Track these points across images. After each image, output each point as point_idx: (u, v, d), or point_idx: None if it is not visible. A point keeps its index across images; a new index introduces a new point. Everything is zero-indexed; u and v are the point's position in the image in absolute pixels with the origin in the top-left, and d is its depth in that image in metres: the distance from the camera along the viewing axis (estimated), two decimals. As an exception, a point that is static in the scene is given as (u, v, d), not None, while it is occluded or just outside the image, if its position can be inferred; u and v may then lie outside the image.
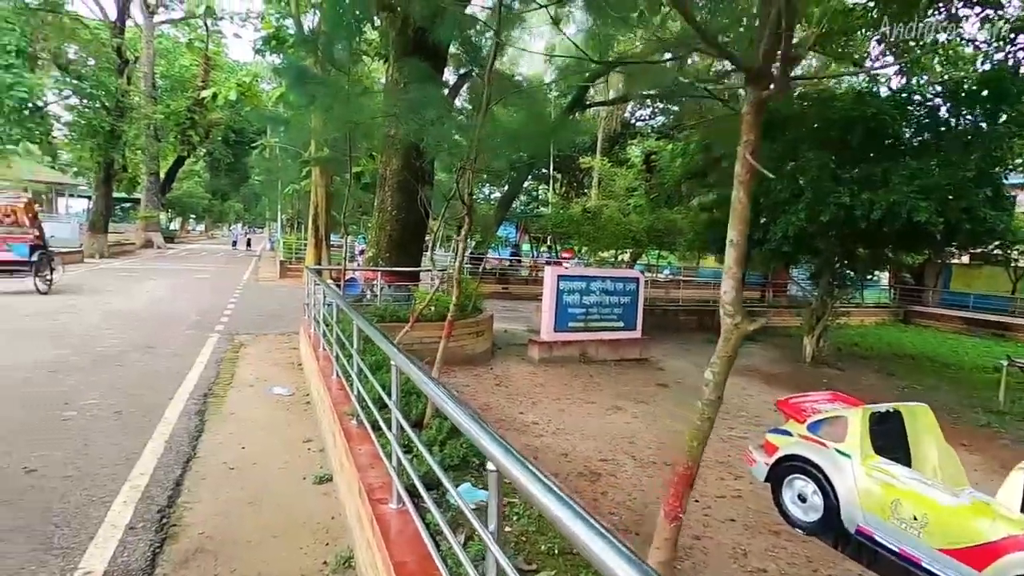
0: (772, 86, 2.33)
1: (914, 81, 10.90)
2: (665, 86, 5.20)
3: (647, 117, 34.49)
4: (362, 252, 17.24)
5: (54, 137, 22.81)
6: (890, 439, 3.62)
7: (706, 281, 24.97)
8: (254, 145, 24.72)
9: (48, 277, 12.00)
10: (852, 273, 11.91)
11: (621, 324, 9.42)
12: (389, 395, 2.73)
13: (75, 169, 37.32)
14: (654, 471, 4.86)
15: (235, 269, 21.96)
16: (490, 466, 1.36)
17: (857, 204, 8.25)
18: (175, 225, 56.04)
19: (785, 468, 4.06)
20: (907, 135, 9.45)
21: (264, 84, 25.20)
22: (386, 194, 8.51)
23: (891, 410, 3.91)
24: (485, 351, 8.79)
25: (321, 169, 17.98)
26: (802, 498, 3.93)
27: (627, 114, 33.52)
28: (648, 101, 31.27)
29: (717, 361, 2.52)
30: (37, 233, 11.53)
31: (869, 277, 17.06)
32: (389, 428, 2.66)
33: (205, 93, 17.50)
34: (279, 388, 5.81)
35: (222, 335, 8.63)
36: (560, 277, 8.76)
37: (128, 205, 46.12)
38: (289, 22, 18.10)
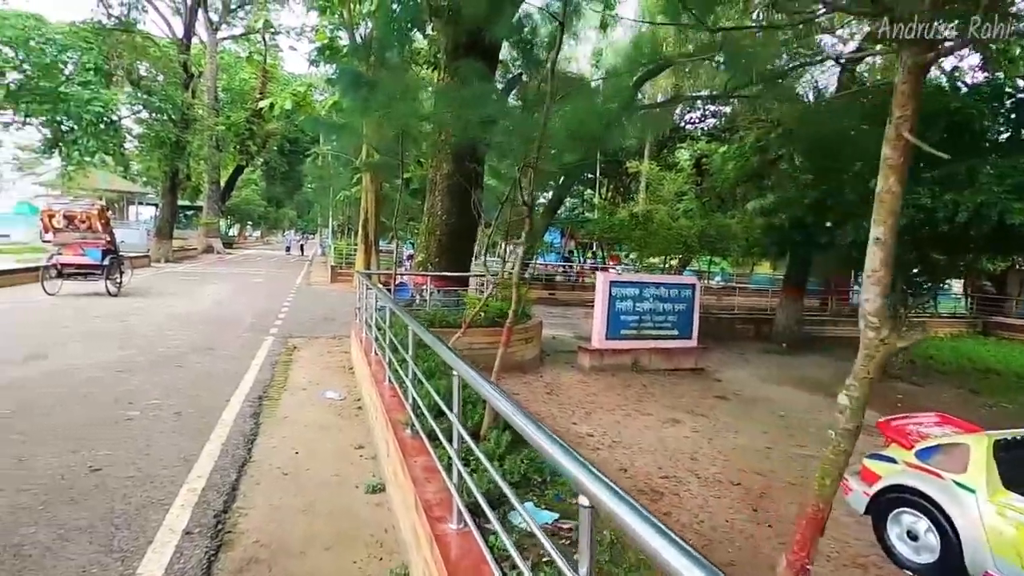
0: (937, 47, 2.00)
1: (999, 74, 10.08)
2: (768, 68, 4.77)
3: (696, 120, 33.68)
4: (410, 257, 17.40)
5: (125, 149, 24.14)
6: (1021, 470, 3.15)
7: (761, 288, 23.97)
8: (307, 154, 25.52)
9: (118, 280, 12.63)
10: (927, 281, 11.08)
11: (675, 332, 9.04)
12: (449, 405, 2.59)
13: (144, 179, 39.71)
14: (720, 490, 4.54)
15: (288, 273, 22.65)
16: (583, 500, 1.17)
17: (939, 206, 7.61)
18: (234, 231, 58.70)
19: (890, 500, 3.63)
20: (995, 131, 8.70)
21: (318, 94, 25.96)
22: (436, 199, 8.48)
23: (1020, 437, 3.44)
24: (534, 358, 8.61)
25: (371, 175, 18.31)
26: (912, 536, 3.49)
27: (675, 117, 32.86)
28: (699, 103, 30.53)
29: (855, 383, 2.20)
30: (109, 239, 12.15)
31: (942, 285, 15.90)
32: (449, 440, 2.51)
33: (263, 103, 18.20)
34: (331, 392, 5.80)
35: (276, 338, 8.79)
36: (613, 283, 8.48)
37: (192, 212, 48.60)
38: (342, 33, 18.58)
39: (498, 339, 4.38)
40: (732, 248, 20.02)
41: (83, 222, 11.67)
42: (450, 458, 2.42)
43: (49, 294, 11.63)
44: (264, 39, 36.68)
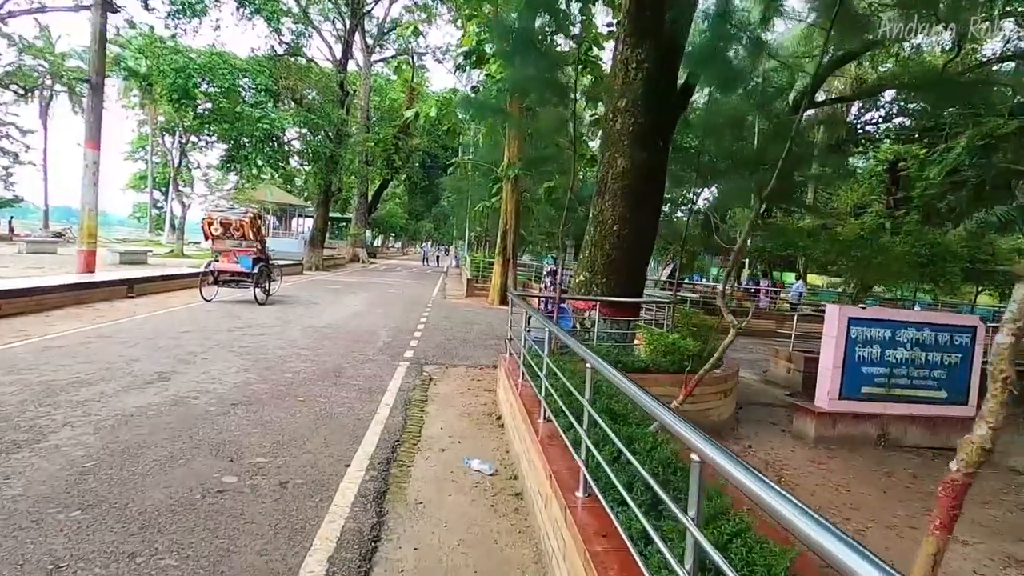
0: None
1: None
2: None
3: (879, 119, 28.60)
4: (551, 273, 15.89)
5: (287, 164, 25.91)
6: None
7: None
8: (449, 163, 25.33)
9: (267, 288, 12.63)
10: None
11: (943, 394, 6.29)
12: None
13: (306, 193, 43.48)
14: None
15: (424, 285, 22.41)
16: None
17: None
18: (378, 242, 62.56)
19: None
20: None
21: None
22: (605, 203, 6.73)
23: None
24: (731, 416, 6.44)
25: (512, 185, 17.18)
26: None
27: (851, 117, 28.18)
28: (884, 97, 25.75)
29: None
30: (259, 247, 12.15)
31: None
32: None
33: (408, 113, 18.23)
34: (477, 462, 4.24)
35: (411, 363, 7.60)
36: (853, 320, 6.03)
37: (343, 224, 52.39)
38: (489, 44, 17.87)
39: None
40: (947, 272, 15.91)
41: (237, 230, 11.75)
42: None
43: (206, 300, 11.82)
44: (412, 59, 38.32)
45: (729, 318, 4.14)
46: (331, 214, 48.22)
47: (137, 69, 23.45)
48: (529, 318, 5.90)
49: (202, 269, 12.05)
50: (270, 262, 13.35)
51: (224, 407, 4.96)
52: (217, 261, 12.08)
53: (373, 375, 6.72)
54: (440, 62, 38.42)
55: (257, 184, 36.94)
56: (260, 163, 22.95)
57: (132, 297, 11.86)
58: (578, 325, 6.87)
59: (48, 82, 39.73)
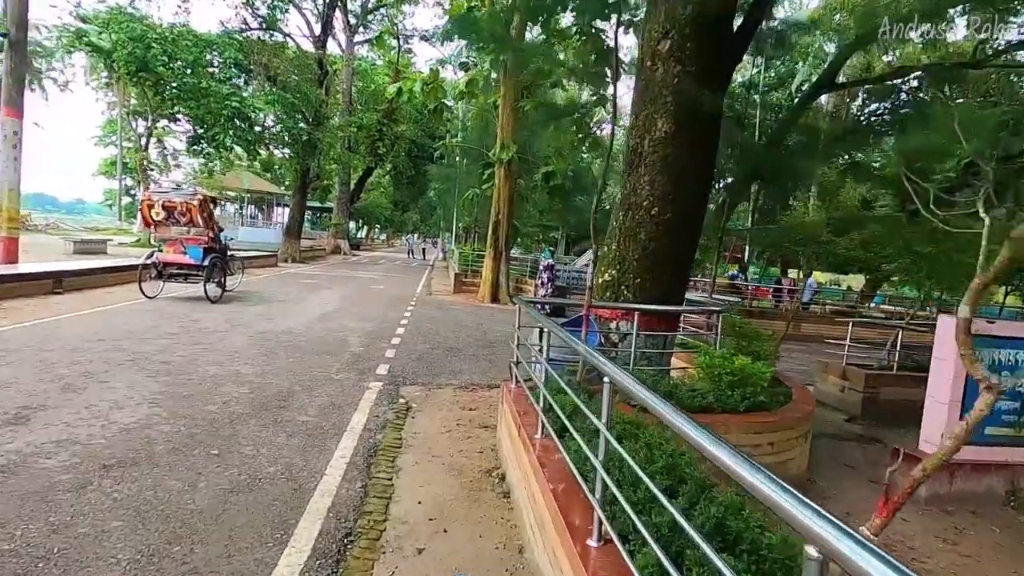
0: None
1: None
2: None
3: (883, 112, 27.39)
4: (548, 268, 14.29)
5: (260, 146, 23.89)
6: None
7: None
8: (436, 150, 23.51)
9: (222, 283, 10.85)
10: None
11: (1084, 435, 4.80)
12: None
13: (287, 181, 41.29)
14: None
15: (409, 280, 20.68)
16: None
17: None
18: (362, 233, 60.47)
19: None
20: None
21: (449, 74, 23.89)
22: (640, 179, 5.10)
23: None
24: (804, 463, 4.88)
25: (506, 170, 15.49)
26: None
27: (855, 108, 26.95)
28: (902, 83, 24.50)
29: None
30: (211, 235, 10.35)
31: None
32: None
33: (391, 88, 16.51)
34: (476, 582, 2.62)
35: (384, 383, 5.95)
36: (979, 339, 4.50)
37: (325, 214, 50.29)
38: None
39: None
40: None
41: (183, 214, 9.93)
42: None
43: (148, 297, 10.02)
44: (398, 39, 36.34)
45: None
46: (312, 203, 46.15)
47: (101, 45, 21.37)
48: (543, 333, 4.30)
49: (142, 261, 10.22)
50: (227, 253, 11.57)
51: (86, 474, 3.27)
52: (161, 251, 10.27)
53: (331, 405, 5.05)
54: (426, 40, 36.27)
55: (230, 170, 34.86)
56: (229, 144, 20.98)
57: (59, 293, 10.01)
58: (602, 339, 5.25)
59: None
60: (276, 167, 43.04)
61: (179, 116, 23.56)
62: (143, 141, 31.38)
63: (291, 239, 25.52)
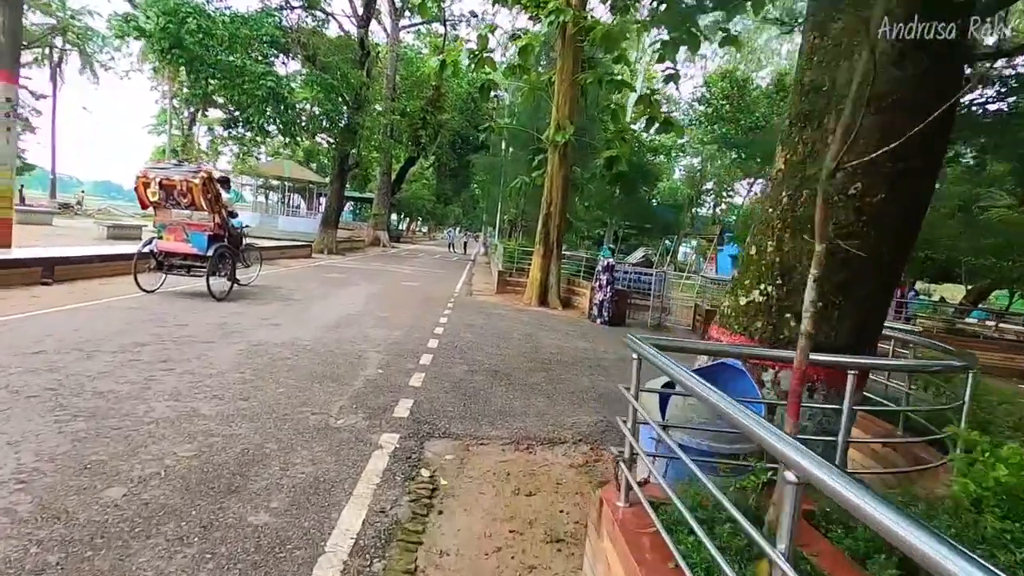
0: None
1: None
2: None
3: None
4: (608, 268, 12.24)
5: (298, 128, 22.63)
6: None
7: None
8: (481, 137, 21.61)
9: (231, 276, 9.32)
10: None
11: None
12: None
13: (328, 170, 40.48)
14: None
15: (448, 276, 18.97)
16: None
17: None
18: (403, 226, 59.58)
19: None
20: None
21: (498, 56, 22.01)
22: (825, 134, 3.03)
23: None
24: None
25: (561, 155, 13.47)
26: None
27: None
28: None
29: None
30: (218, 220, 8.81)
31: None
32: None
33: (433, 61, 14.90)
34: None
35: (403, 437, 4.10)
36: None
37: (367, 204, 49.41)
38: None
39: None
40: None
41: (183, 195, 8.39)
42: None
43: (145, 291, 8.58)
44: (445, 25, 34.75)
45: None
46: (352, 193, 45.32)
47: (146, 28, 20.57)
48: (667, 396, 2.36)
49: (138, 249, 8.76)
50: (241, 242, 10.06)
51: None
52: (161, 238, 8.79)
53: (315, 483, 3.22)
54: (475, 18, 34.45)
55: (275, 157, 34.10)
56: (261, 124, 19.76)
57: (47, 283, 8.68)
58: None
59: (58, 42, 37.47)
60: (320, 156, 42.28)
61: (216, 98, 22.56)
62: (193, 128, 30.96)
63: (327, 229, 24.27)
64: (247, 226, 10.89)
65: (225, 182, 9.69)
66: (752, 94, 26.28)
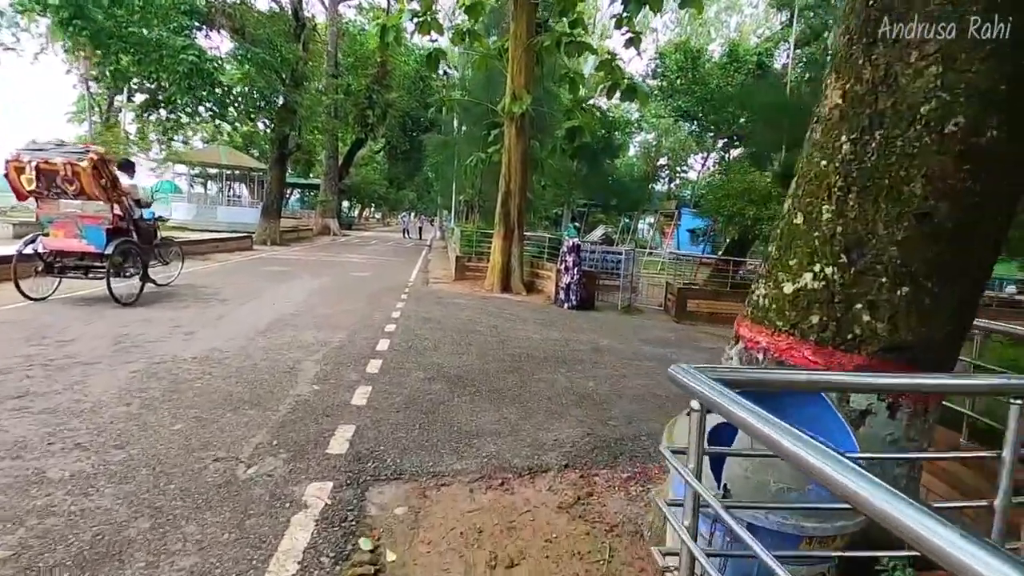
0: None
1: None
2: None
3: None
4: (574, 249, 11.38)
5: (227, 109, 20.63)
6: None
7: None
8: (432, 105, 20.25)
9: (142, 275, 7.95)
10: None
11: None
12: None
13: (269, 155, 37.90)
14: None
15: (402, 264, 17.76)
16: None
17: None
18: (356, 213, 57.25)
19: None
20: None
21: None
22: (907, 51, 2.16)
23: None
24: None
25: (518, 127, 12.44)
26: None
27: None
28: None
29: None
30: (119, 212, 7.40)
31: None
32: None
33: (373, 27, 13.48)
34: None
35: (337, 486, 3.08)
36: None
37: (315, 192, 46.93)
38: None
39: None
40: None
41: (69, 181, 6.92)
42: None
43: (32, 299, 7.14)
44: (389, 2, 32.75)
45: None
46: (300, 180, 42.87)
47: (52, 2, 18.04)
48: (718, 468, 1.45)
49: (18, 249, 7.26)
50: (156, 235, 8.66)
51: None
52: (47, 235, 7.31)
53: (196, 586, 2.19)
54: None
55: (212, 143, 31.56)
56: (184, 104, 17.84)
57: (-96, 295, 7.11)
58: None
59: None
60: (262, 141, 39.51)
61: (132, 76, 20.25)
62: (119, 115, 28.02)
63: (269, 219, 22.48)
64: (161, 217, 9.44)
65: (128, 166, 8.25)
66: (705, 66, 25.85)
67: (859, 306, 2.26)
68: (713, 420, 1.75)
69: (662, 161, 39.14)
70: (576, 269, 11.45)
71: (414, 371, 5.54)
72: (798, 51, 21.75)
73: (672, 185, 40.18)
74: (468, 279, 14.19)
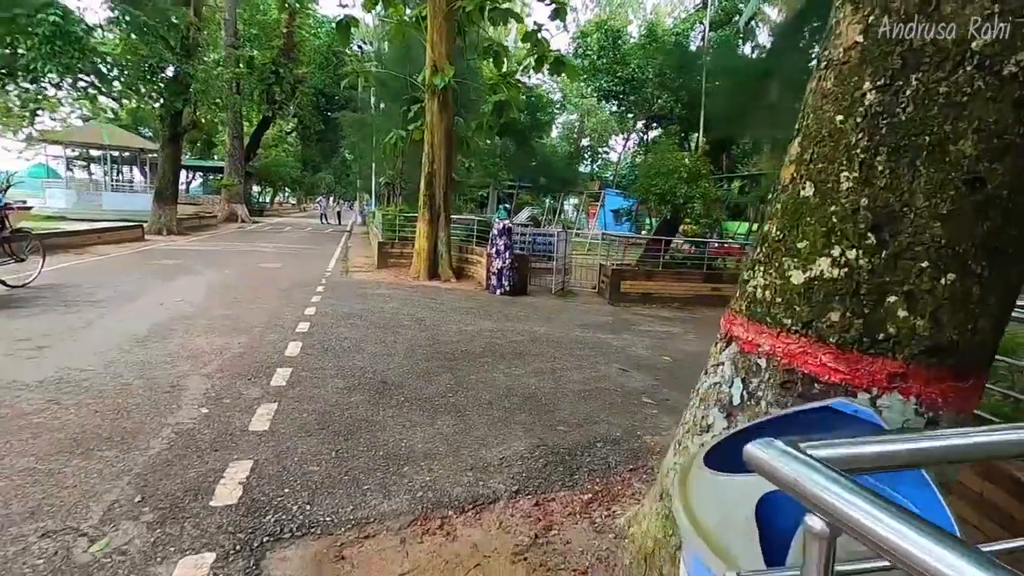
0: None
1: None
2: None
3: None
4: (504, 231, 10.77)
5: (104, 80, 18.00)
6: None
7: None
8: (345, 78, 18.80)
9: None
10: None
11: None
12: None
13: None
14: None
15: (319, 253, 16.41)
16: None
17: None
18: (268, 198, 53.52)
19: None
20: None
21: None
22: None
23: None
24: None
25: (440, 101, 11.56)
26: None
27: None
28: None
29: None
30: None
31: None
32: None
33: None
34: None
35: (223, 557, 2.31)
36: None
37: (220, 176, 43.11)
38: None
39: None
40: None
41: None
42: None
43: None
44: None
45: None
46: (200, 162, 39.22)
47: None
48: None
49: None
50: (5, 227, 7.14)
51: None
52: None
53: None
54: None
55: (95, 120, 27.85)
56: (47, 72, 15.31)
57: None
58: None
59: None
60: (154, 119, 35.48)
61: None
62: None
63: (164, 205, 20.07)
64: (18, 205, 7.84)
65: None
66: (625, 46, 25.87)
67: (893, 299, 1.78)
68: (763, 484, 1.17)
69: (585, 142, 39.30)
70: (508, 253, 10.85)
71: (331, 379, 4.72)
72: (712, 33, 22.13)
73: (595, 166, 40.53)
74: (392, 267, 13.24)
